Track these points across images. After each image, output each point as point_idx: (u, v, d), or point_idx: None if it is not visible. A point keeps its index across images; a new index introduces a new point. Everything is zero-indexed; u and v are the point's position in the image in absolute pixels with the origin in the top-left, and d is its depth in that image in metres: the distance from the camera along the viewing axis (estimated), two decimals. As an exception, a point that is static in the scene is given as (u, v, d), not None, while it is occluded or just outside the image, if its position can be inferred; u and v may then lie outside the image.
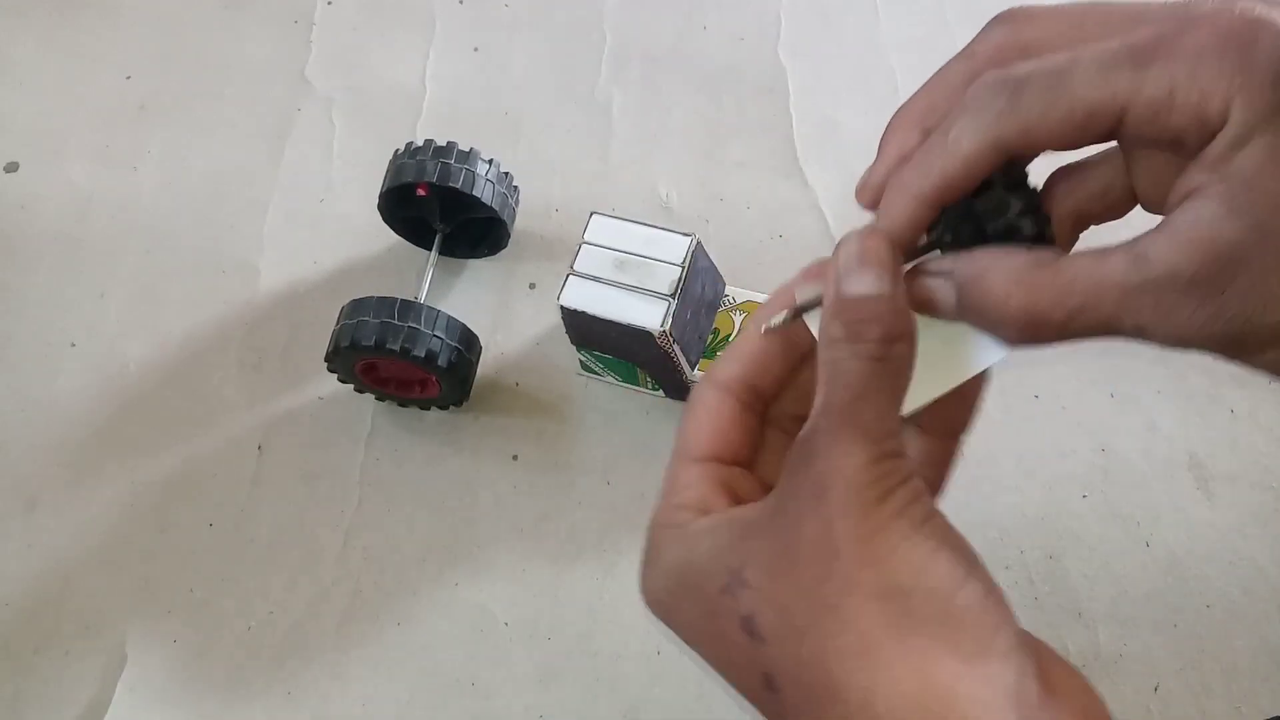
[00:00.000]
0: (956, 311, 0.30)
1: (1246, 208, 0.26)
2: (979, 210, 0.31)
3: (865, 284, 0.29)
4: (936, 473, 0.33)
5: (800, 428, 0.31)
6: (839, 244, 0.30)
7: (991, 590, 0.27)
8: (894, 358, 0.29)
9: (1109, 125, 0.28)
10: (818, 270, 0.32)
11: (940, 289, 0.30)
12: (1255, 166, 0.26)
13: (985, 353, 0.31)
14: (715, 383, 0.33)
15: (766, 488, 0.32)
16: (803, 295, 0.32)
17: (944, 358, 0.31)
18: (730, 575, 0.28)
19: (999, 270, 0.29)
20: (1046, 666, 0.28)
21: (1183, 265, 0.26)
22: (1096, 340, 0.28)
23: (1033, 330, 0.28)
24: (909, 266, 0.31)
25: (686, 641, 0.30)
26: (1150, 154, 0.31)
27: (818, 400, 0.29)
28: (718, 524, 0.30)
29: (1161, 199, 0.30)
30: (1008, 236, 0.30)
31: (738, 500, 0.32)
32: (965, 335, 0.31)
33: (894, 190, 0.31)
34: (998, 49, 0.31)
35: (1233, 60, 0.26)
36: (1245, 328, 0.27)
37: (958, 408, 0.32)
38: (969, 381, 0.31)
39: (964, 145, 0.29)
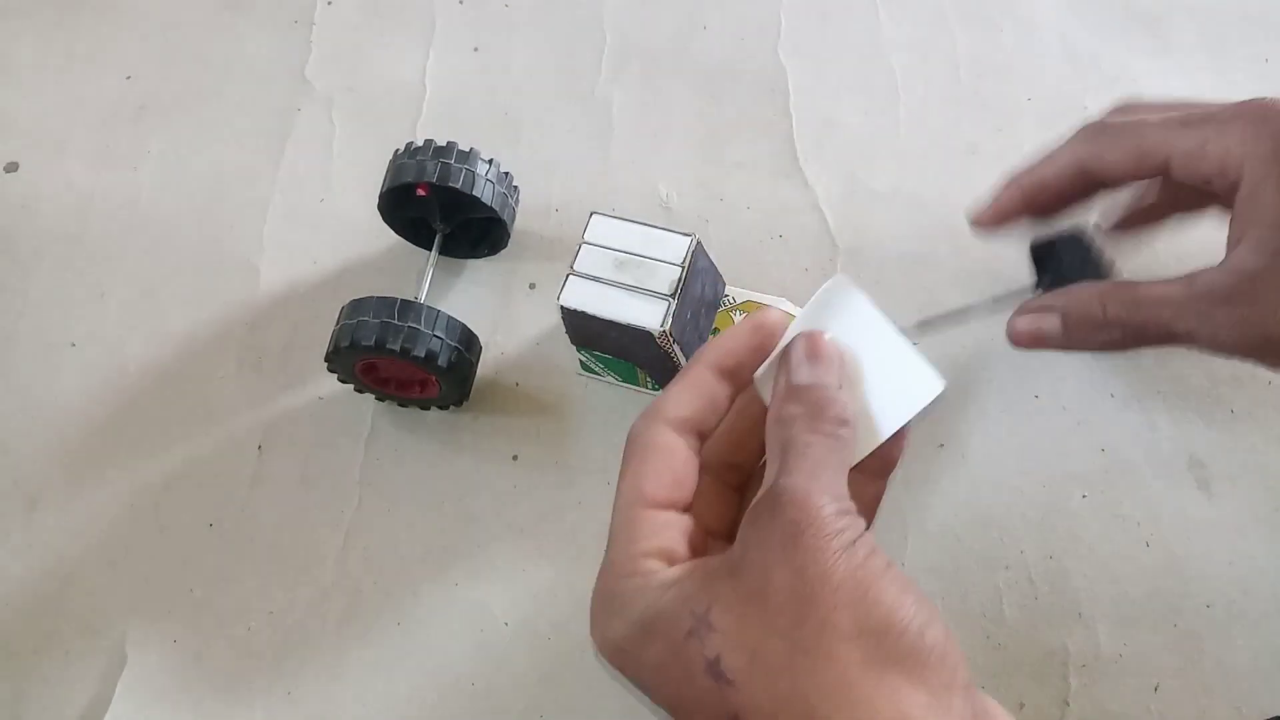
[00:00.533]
0: (1062, 335, 0.42)
1: (1266, 243, 0.36)
2: (1068, 265, 0.46)
3: (817, 375, 0.34)
4: (867, 510, 0.35)
5: (733, 474, 0.36)
6: (792, 341, 0.35)
7: (949, 632, 0.30)
8: (844, 438, 0.33)
9: (1159, 165, 0.39)
10: (758, 321, 0.36)
11: (1047, 320, 0.42)
12: (1269, 210, 0.35)
13: (906, 406, 0.35)
14: (670, 423, 0.34)
15: (703, 533, 0.34)
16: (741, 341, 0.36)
17: (873, 416, 0.35)
18: (695, 620, 0.30)
19: (1094, 290, 0.40)
20: (984, 704, 0.31)
21: (1219, 284, 0.36)
22: (1158, 347, 0.39)
23: (1119, 332, 0.39)
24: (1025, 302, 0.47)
25: (646, 686, 0.31)
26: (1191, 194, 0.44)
27: (777, 465, 0.32)
28: (685, 573, 0.31)
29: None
30: (1087, 276, 0.45)
31: (696, 548, 0.33)
32: (890, 395, 0.34)
33: (1005, 185, 0.47)
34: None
35: (1249, 130, 0.36)
36: (1269, 333, 0.36)
37: (888, 453, 0.36)
38: (895, 434, 0.35)
39: (1058, 158, 0.43)
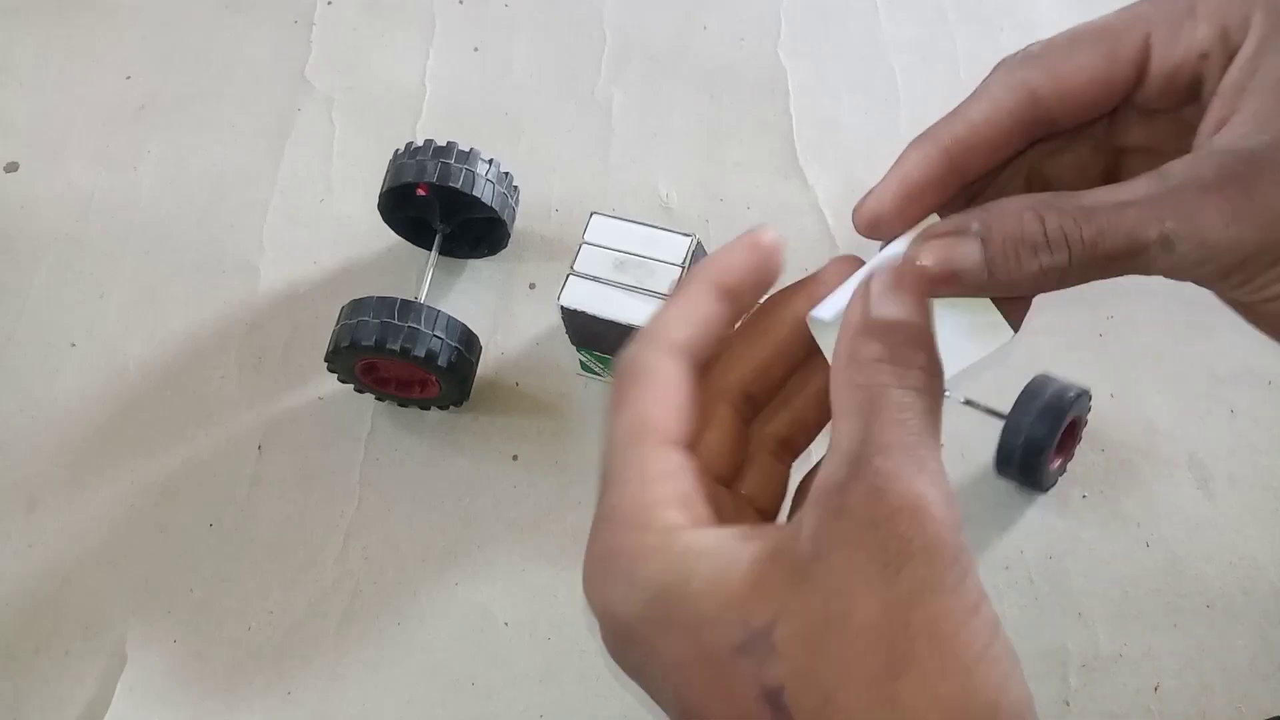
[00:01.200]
0: (983, 266, 0.26)
1: (1275, 113, 0.25)
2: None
3: (904, 308, 0.26)
4: None
5: (746, 406, 0.29)
6: (875, 271, 0.27)
7: None
8: (939, 392, 0.26)
9: (1135, 54, 0.27)
10: (753, 238, 0.29)
11: (962, 248, 0.26)
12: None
13: (973, 349, 0.29)
14: (668, 347, 0.28)
15: (712, 481, 0.28)
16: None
17: (950, 345, 0.28)
18: (751, 633, 0.23)
19: (1025, 201, 0.26)
20: None
21: (1206, 170, 0.25)
22: (1116, 275, 0.26)
23: (1065, 254, 0.26)
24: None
25: (656, 680, 0.25)
26: (1153, 118, 0.29)
27: (859, 428, 0.25)
28: (724, 545, 0.25)
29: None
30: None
31: (709, 500, 0.27)
32: (956, 336, 0.29)
33: (914, 146, 0.28)
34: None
35: None
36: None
37: None
38: None
39: (991, 90, 0.28)
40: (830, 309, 0.28)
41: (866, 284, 0.27)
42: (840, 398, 0.26)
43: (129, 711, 0.59)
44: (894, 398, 0.25)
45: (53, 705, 0.59)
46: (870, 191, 0.29)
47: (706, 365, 0.29)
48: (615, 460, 0.26)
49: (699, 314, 0.28)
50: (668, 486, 0.26)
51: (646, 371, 0.27)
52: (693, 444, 0.27)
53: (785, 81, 0.77)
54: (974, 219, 0.26)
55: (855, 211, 0.29)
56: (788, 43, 0.79)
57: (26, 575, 0.62)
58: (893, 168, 0.28)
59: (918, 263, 0.27)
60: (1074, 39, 0.28)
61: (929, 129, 0.28)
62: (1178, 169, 0.26)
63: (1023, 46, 0.29)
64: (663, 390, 0.27)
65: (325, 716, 0.58)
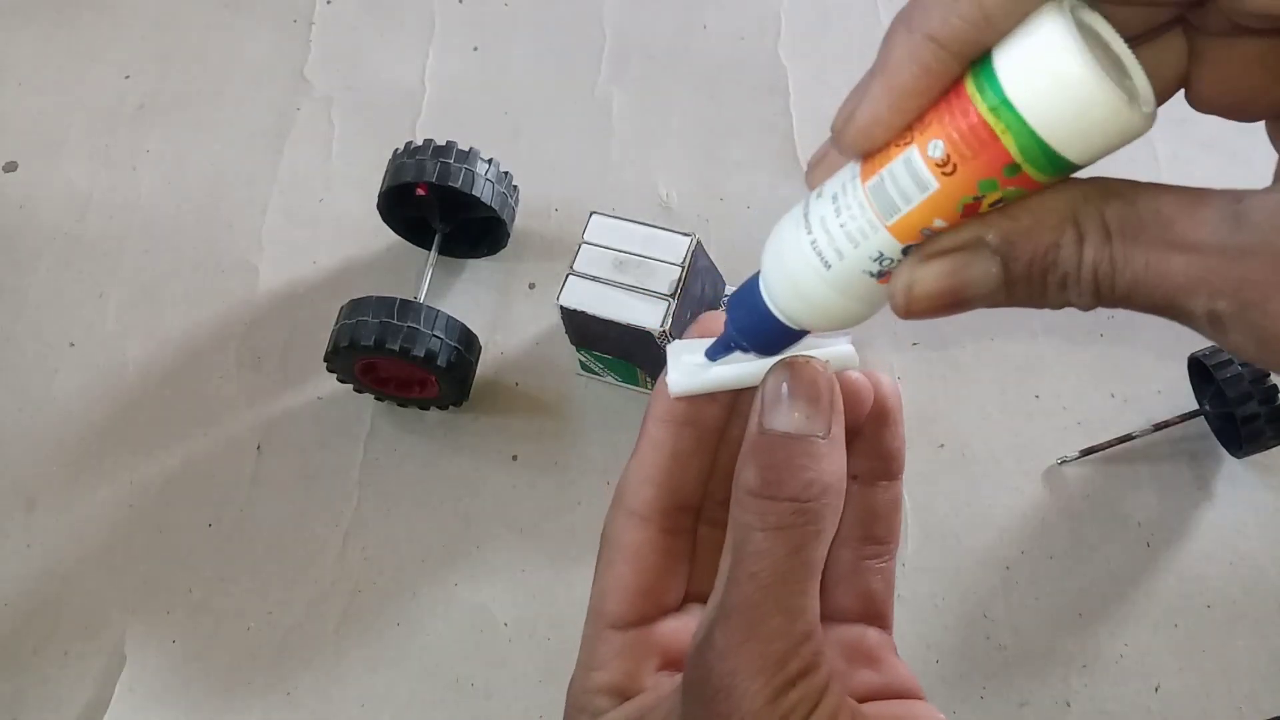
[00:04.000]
0: (1004, 290, 0.21)
1: None
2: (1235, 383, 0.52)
3: (792, 419, 0.23)
4: (884, 525, 0.28)
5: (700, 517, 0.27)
6: (770, 369, 0.24)
7: None
8: (813, 521, 0.23)
9: None
10: (709, 322, 0.26)
11: (974, 268, 0.20)
12: None
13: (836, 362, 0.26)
14: (633, 511, 0.26)
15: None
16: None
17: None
18: None
19: (1062, 207, 0.20)
20: None
21: None
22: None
23: (1091, 296, 0.20)
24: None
25: None
26: (1227, 41, 0.22)
27: (721, 583, 0.23)
28: None
29: (1225, 96, 0.22)
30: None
31: (675, 661, 0.27)
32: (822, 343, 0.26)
33: (865, 91, 0.21)
34: None
35: None
36: None
37: (887, 449, 0.27)
38: (889, 415, 0.27)
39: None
40: (681, 377, 0.26)
41: (761, 389, 0.24)
42: (728, 537, 0.24)
43: (128, 712, 0.59)
44: (752, 544, 0.23)
45: (52, 705, 0.59)
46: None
47: (690, 501, 0.27)
48: (582, 639, 0.27)
49: (660, 455, 0.26)
50: (604, 674, 0.26)
51: (607, 546, 0.27)
52: (664, 605, 0.27)
53: (785, 81, 0.77)
54: (991, 229, 0.20)
55: (840, 133, 0.21)
56: (788, 42, 0.79)
57: (26, 575, 0.62)
58: (850, 114, 0.21)
59: (917, 288, 0.21)
60: None
61: (874, 70, 0.21)
62: (1261, 216, 0.18)
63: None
64: (621, 566, 0.26)
65: (325, 716, 0.58)
